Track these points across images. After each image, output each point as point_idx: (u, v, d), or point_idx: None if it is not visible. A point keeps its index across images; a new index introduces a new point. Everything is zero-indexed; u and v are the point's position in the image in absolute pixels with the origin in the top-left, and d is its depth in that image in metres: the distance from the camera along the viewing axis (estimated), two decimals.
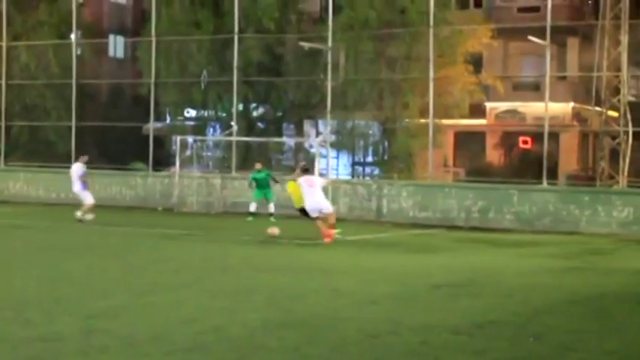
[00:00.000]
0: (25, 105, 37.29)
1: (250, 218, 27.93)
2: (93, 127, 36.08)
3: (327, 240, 21.10)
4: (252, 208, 28.33)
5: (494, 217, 27.66)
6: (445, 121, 32.25)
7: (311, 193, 21.46)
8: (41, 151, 36.44)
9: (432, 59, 30.08)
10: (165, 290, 13.46)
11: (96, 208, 26.23)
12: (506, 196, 27.79)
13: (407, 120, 32.59)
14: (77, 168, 26.29)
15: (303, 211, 21.98)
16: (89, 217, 25.32)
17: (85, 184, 26.04)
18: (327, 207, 21.75)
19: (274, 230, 22.12)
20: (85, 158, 26.56)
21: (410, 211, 28.76)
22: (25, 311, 11.37)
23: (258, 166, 28.59)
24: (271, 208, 28.10)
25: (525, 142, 38.13)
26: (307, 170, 22.40)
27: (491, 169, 36.16)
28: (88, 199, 25.85)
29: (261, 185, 28.17)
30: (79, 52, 36.18)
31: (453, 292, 14.00)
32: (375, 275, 15.66)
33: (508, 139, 39.09)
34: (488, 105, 38.05)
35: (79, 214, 25.33)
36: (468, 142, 39.12)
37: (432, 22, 30.22)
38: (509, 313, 12.15)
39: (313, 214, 21.55)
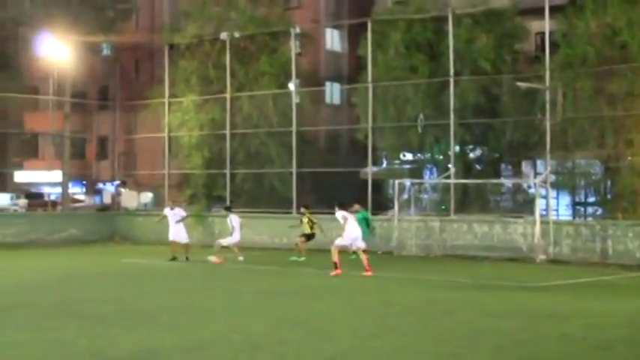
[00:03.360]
0: (248, 153, 38.62)
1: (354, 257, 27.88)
2: (312, 172, 36.93)
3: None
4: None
5: None
6: None
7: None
8: (264, 197, 37.60)
9: None
10: (390, 334, 13.53)
11: (319, 252, 26.83)
12: None
13: (630, 158, 31.49)
14: None
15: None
16: None
17: None
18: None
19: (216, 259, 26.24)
20: None
21: (637, 253, 27.70)
22: (257, 354, 11.73)
23: (356, 207, 28.70)
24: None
25: None
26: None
27: None
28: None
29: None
30: (297, 100, 37.16)
31: None
32: (604, 319, 15.18)
33: None
34: None
35: None
36: None
37: None
38: None
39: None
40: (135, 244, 37.55)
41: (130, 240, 38.86)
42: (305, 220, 29.75)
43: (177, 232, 28.80)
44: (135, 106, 45.26)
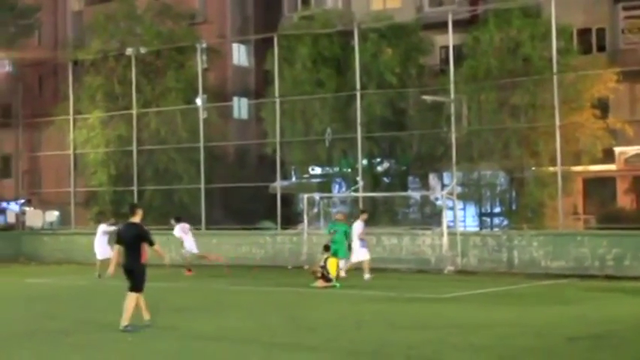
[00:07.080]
0: (156, 169, 38.23)
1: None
2: (221, 188, 36.72)
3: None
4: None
5: (631, 264, 26.83)
6: (574, 168, 31.65)
7: None
8: (173, 213, 37.16)
9: (557, 106, 29.64)
10: (302, 350, 13.49)
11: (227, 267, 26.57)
12: None
13: (534, 169, 32.12)
14: None
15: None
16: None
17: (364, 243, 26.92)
18: None
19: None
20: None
21: (542, 261, 28.20)
22: None
23: (339, 216, 28.20)
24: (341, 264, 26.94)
25: None
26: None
27: (623, 216, 35.13)
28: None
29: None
30: (205, 116, 36.93)
31: (592, 345, 13.65)
32: (511, 329, 15.39)
33: None
34: (617, 150, 37.15)
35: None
36: (598, 188, 38.17)
37: (555, 69, 29.86)
38: None
39: None
40: (41, 264, 36.76)
41: (36, 260, 38.01)
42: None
43: (108, 249, 28.48)
44: (39, 124, 44.40)
